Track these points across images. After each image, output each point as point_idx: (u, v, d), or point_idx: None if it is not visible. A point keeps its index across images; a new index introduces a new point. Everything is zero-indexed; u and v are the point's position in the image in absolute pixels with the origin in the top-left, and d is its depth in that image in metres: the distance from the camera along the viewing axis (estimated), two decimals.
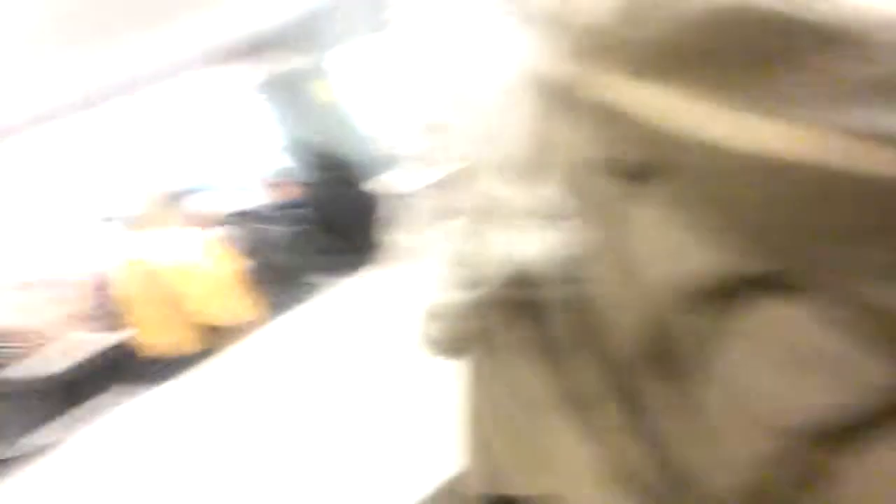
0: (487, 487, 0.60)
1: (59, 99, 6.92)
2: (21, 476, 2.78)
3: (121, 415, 3.53)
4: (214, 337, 3.82)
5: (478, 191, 0.55)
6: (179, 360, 3.76)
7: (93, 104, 7.33)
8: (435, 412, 1.40)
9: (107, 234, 4.70)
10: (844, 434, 0.37)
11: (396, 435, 1.37)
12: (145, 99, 7.83)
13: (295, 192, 5.08)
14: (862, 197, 0.36)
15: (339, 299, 2.92)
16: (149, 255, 3.84)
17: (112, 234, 4.41)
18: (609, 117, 0.44)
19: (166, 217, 4.37)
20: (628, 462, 0.46)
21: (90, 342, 4.42)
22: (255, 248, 4.45)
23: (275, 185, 5.09)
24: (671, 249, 0.43)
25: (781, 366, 0.40)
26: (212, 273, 3.91)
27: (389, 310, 2.37)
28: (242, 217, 4.62)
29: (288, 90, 6.89)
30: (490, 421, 0.58)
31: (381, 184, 5.46)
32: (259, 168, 6.19)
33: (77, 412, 4.14)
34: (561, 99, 0.47)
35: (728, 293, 0.41)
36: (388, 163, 7.24)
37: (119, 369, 4.18)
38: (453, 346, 0.59)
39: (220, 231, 4.41)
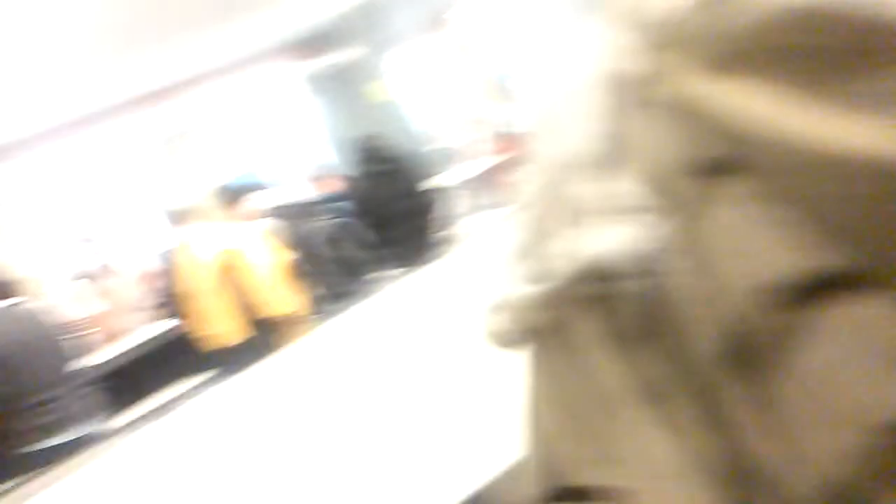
0: (552, 478, 0.60)
1: (118, 96, 7.09)
2: (84, 464, 2.85)
3: (182, 405, 3.60)
4: (265, 328, 3.89)
5: (550, 185, 0.55)
6: (233, 349, 3.84)
7: (150, 102, 7.48)
8: (492, 406, 1.41)
9: (165, 226, 4.80)
10: None
11: (452, 428, 1.37)
12: (201, 95, 7.97)
13: (343, 187, 5.12)
14: None
15: (397, 293, 2.93)
16: (204, 246, 3.92)
17: (169, 226, 4.50)
18: (688, 114, 0.44)
19: (220, 210, 4.45)
20: (705, 456, 0.46)
21: (148, 332, 4.53)
22: (303, 242, 4.50)
23: (323, 179, 5.14)
24: (751, 247, 0.43)
25: (866, 362, 0.39)
26: (263, 265, 3.97)
27: (445, 304, 2.38)
28: (292, 210, 4.67)
29: (340, 86, 6.94)
30: (557, 412, 0.58)
31: (434, 180, 5.48)
32: (308, 162, 6.26)
33: (136, 401, 4.25)
34: (638, 95, 0.47)
35: (810, 290, 0.41)
36: (440, 160, 7.27)
37: (176, 358, 4.28)
38: (520, 338, 0.60)
39: (270, 224, 4.48)
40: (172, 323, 4.17)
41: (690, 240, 0.45)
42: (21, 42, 4.46)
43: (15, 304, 4.17)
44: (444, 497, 1.12)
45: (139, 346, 4.45)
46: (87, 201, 8.85)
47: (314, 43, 7.41)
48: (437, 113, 9.42)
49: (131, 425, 4.01)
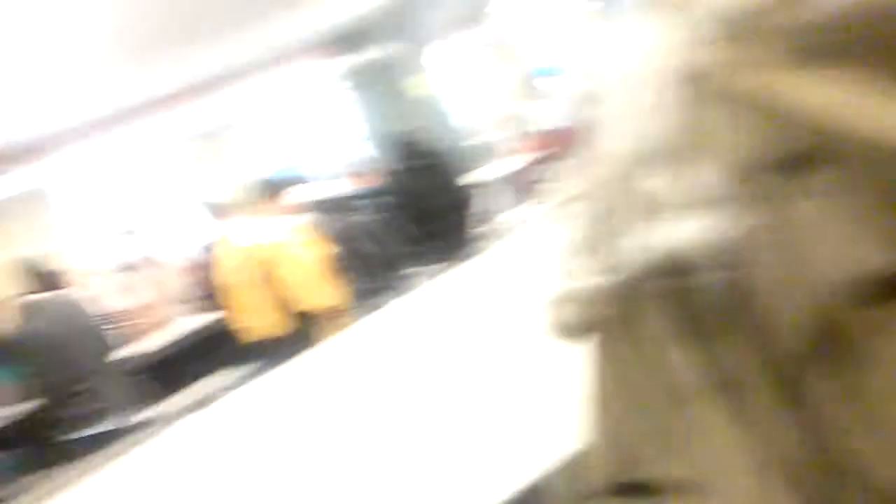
0: (616, 471, 0.60)
1: (161, 91, 7.18)
2: (124, 453, 2.88)
3: (221, 397, 3.64)
4: (305, 321, 3.91)
5: (616, 179, 0.54)
6: (273, 342, 3.87)
7: (192, 97, 7.58)
8: (536, 398, 1.40)
9: (206, 219, 4.86)
10: None
11: (497, 422, 1.36)
12: (242, 91, 8.05)
13: (382, 181, 5.14)
14: None
15: (437, 288, 2.93)
16: (244, 240, 3.95)
17: (211, 219, 4.56)
18: (768, 106, 0.44)
19: (260, 204, 4.49)
20: (783, 450, 0.45)
21: (188, 323, 4.59)
22: (342, 236, 4.52)
23: (362, 174, 5.16)
24: (837, 239, 0.43)
25: None
26: (303, 259, 4.00)
27: (485, 299, 2.37)
28: (331, 205, 4.70)
29: (379, 81, 6.96)
30: (623, 405, 0.57)
31: (472, 176, 5.48)
32: (347, 157, 6.30)
33: (176, 392, 4.31)
34: (714, 87, 0.47)
35: None
36: (479, 155, 7.27)
37: (216, 350, 4.33)
38: (585, 330, 0.59)
39: (310, 218, 4.50)
40: (213, 315, 4.22)
41: (774, 233, 0.44)
42: (66, 36, 4.54)
43: (60, 295, 4.25)
44: (492, 492, 1.12)
45: (180, 337, 4.51)
46: (131, 194, 9.01)
47: (353, 38, 7.44)
48: (475, 109, 9.42)
49: (171, 416, 4.06)
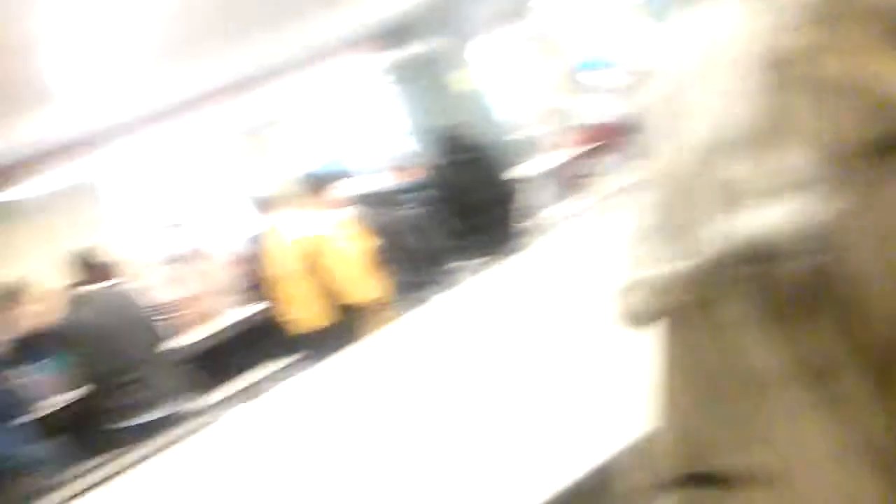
0: (687, 460, 0.58)
1: (208, 86, 7.27)
2: (172, 443, 2.92)
3: (267, 387, 3.67)
4: (349, 313, 3.93)
5: (695, 165, 0.54)
6: (317, 334, 3.89)
7: (238, 92, 7.66)
8: (585, 394, 1.38)
9: (253, 212, 4.91)
10: None
11: (548, 419, 1.35)
12: (288, 86, 8.12)
13: (425, 176, 5.13)
14: None
15: (483, 282, 2.92)
16: (290, 233, 3.98)
17: (257, 212, 4.60)
18: (859, 90, 0.43)
19: (306, 198, 4.52)
20: (870, 436, 0.45)
21: (235, 315, 4.64)
22: (386, 230, 4.53)
23: (406, 168, 5.16)
24: None
25: None
26: (348, 252, 4.02)
27: (531, 292, 2.35)
28: (375, 198, 4.71)
29: (423, 75, 6.96)
30: (696, 393, 0.57)
31: (516, 170, 5.45)
32: (391, 151, 6.31)
33: (222, 383, 4.36)
34: (801, 72, 0.45)
35: None
36: (523, 149, 7.23)
37: (262, 341, 4.37)
38: (656, 317, 0.58)
39: (354, 212, 4.52)
40: (259, 307, 4.26)
41: (864, 217, 0.43)
42: (115, 32, 4.61)
43: (111, 286, 4.33)
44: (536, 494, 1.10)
45: (226, 328, 4.56)
46: (179, 188, 9.15)
47: (398, 33, 7.45)
48: (519, 103, 9.37)
49: (217, 406, 4.11)
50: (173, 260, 5.03)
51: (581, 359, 1.55)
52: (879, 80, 0.42)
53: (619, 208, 3.26)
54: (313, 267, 3.92)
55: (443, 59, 7.04)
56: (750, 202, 0.46)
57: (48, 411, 4.01)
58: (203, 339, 4.51)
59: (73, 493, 2.81)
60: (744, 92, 0.48)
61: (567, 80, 7.65)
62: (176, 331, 4.60)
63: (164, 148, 8.77)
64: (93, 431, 3.85)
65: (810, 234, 0.44)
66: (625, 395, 1.26)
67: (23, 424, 3.71)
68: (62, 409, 4.00)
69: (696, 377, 0.55)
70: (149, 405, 3.86)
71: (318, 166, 6.94)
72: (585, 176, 6.94)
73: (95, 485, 2.63)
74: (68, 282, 4.07)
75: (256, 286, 4.15)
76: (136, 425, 3.80)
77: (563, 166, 6.98)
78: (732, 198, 0.48)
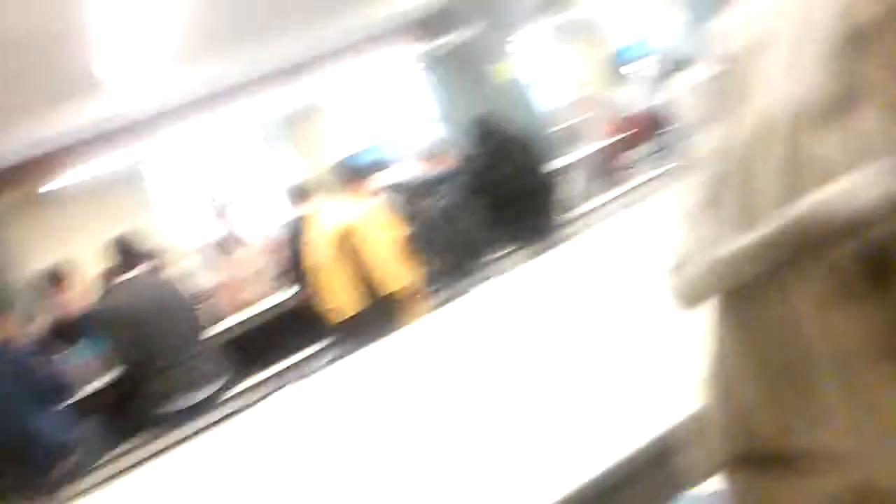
0: (745, 440, 0.57)
1: (247, 76, 7.33)
2: (209, 426, 2.94)
3: (302, 373, 3.69)
4: (383, 301, 3.94)
5: (766, 138, 0.52)
6: (352, 321, 3.91)
7: (276, 82, 7.71)
8: (625, 382, 1.35)
9: (289, 200, 4.94)
10: None
11: (588, 409, 1.32)
12: (328, 75, 8.15)
13: (460, 165, 5.11)
14: None
15: (523, 272, 2.90)
16: (329, 220, 4.00)
17: (293, 200, 4.62)
18: None
19: (341, 186, 4.54)
20: None
21: (274, 301, 4.67)
22: (419, 219, 4.53)
23: (440, 158, 5.14)
24: None
25: None
26: (381, 240, 4.02)
27: (572, 281, 2.32)
28: (409, 187, 4.70)
29: (460, 65, 6.93)
30: (755, 372, 0.55)
31: (553, 160, 5.40)
32: (426, 140, 6.30)
33: (259, 367, 4.40)
34: (875, 39, 0.44)
35: None
36: (561, 139, 7.18)
37: (297, 328, 4.40)
38: (715, 295, 0.57)
39: (388, 200, 4.53)
40: (298, 293, 4.29)
41: None
42: (159, 21, 4.66)
43: (152, 271, 4.39)
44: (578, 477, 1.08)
45: (262, 314, 4.60)
46: (221, 175, 9.26)
47: (438, 23, 7.43)
48: (560, 92, 9.30)
49: (253, 390, 4.15)
50: (215, 246, 5.07)
51: (622, 347, 1.53)
52: None
53: (658, 197, 3.22)
54: (351, 255, 3.93)
55: (483, 48, 7.00)
56: (829, 172, 0.45)
57: (89, 393, 4.08)
58: (240, 324, 4.56)
59: (112, 474, 2.85)
60: (818, 61, 0.47)
61: (608, 70, 7.57)
62: (216, 316, 4.65)
63: (208, 136, 8.89)
64: (133, 414, 3.92)
65: (885, 204, 0.42)
66: (667, 384, 1.23)
67: (65, 407, 3.78)
68: (103, 391, 4.07)
69: (757, 356, 0.54)
70: (188, 389, 3.91)
71: (357, 155, 6.97)
72: (625, 166, 6.86)
73: (134, 466, 2.67)
74: (110, 267, 4.13)
75: (295, 273, 4.18)
76: (176, 409, 3.85)
77: (602, 156, 6.91)
78: (807, 168, 0.46)
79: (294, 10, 5.73)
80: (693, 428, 0.63)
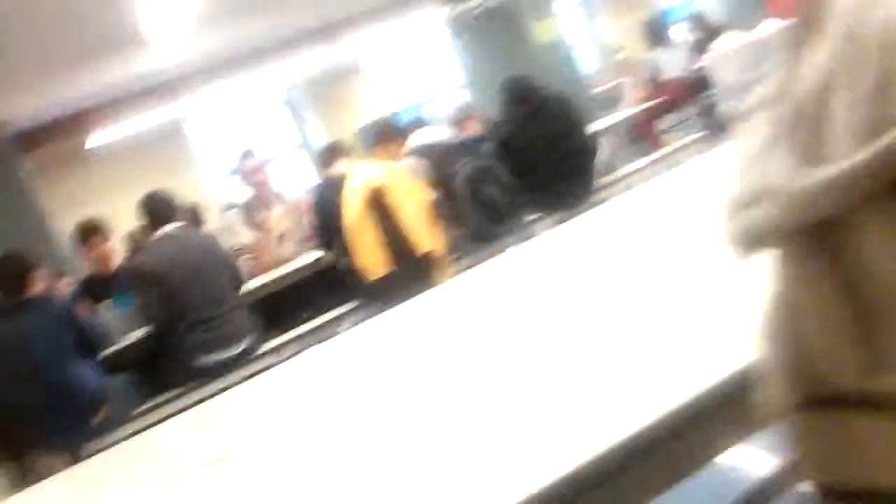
0: (812, 383, 0.57)
1: (278, 38, 7.31)
2: (241, 380, 2.98)
3: (330, 333, 3.73)
4: (411, 263, 3.95)
5: (843, 70, 0.51)
6: (380, 282, 3.93)
7: (308, 43, 7.69)
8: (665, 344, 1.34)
9: (319, 161, 4.94)
10: None
11: (629, 370, 1.31)
12: (366, 35, 8.10)
13: (491, 129, 5.06)
14: None
15: (559, 234, 2.88)
16: (362, 181, 3.99)
17: (324, 161, 4.62)
18: None
19: (379, 147, 4.53)
20: None
21: (307, 260, 4.70)
22: (461, 181, 4.50)
23: (470, 121, 5.09)
24: None
25: None
26: (410, 203, 4.02)
27: (604, 246, 2.30)
28: (439, 150, 4.67)
29: (504, 26, 6.81)
30: (817, 315, 0.54)
31: (589, 124, 5.32)
32: (467, 102, 6.24)
33: (288, 326, 4.45)
34: None
35: None
36: (597, 103, 7.06)
37: (327, 288, 4.43)
38: (783, 233, 0.56)
39: (428, 162, 4.50)
40: (331, 253, 4.31)
41: None
42: None
43: (191, 228, 4.44)
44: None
45: (293, 273, 4.63)
46: (257, 134, 9.31)
47: None
48: (600, 55, 9.14)
49: (283, 347, 4.20)
50: (250, 204, 5.11)
51: (659, 307, 1.52)
52: None
53: (695, 162, 3.16)
54: (380, 215, 3.93)
55: (525, 9, 6.87)
56: None
57: (124, 346, 4.15)
58: (271, 283, 4.60)
59: (148, 425, 2.92)
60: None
61: (649, 33, 7.40)
62: (251, 273, 4.70)
63: (246, 95, 8.92)
64: (170, 367, 3.99)
65: None
66: (699, 351, 1.22)
67: (100, 359, 3.86)
68: (138, 344, 4.14)
69: (824, 299, 0.53)
70: (222, 344, 3.97)
71: (392, 116, 6.93)
72: (662, 130, 6.75)
73: (169, 416, 2.73)
74: (146, 222, 4.18)
75: (329, 233, 4.19)
76: (211, 362, 3.91)
77: (643, 119, 6.79)
78: (878, 108, 0.45)
79: None
80: (755, 375, 0.63)
